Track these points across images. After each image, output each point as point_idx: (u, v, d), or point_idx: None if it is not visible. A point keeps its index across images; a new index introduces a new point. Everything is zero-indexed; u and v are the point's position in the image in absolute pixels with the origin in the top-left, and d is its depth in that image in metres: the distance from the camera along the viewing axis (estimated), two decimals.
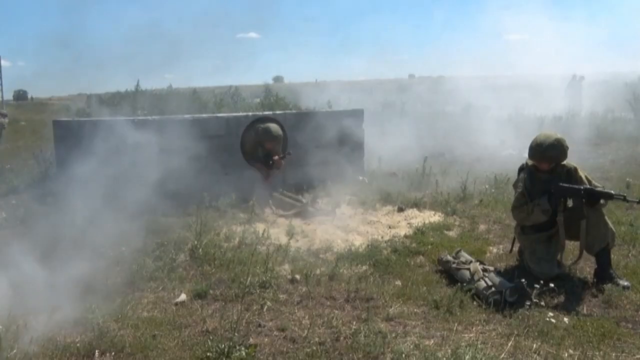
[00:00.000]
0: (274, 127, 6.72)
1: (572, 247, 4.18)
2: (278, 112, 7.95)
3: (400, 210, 6.00)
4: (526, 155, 4.08)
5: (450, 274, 3.98)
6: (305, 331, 3.09)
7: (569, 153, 3.99)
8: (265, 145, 6.70)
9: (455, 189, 6.79)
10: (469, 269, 3.80)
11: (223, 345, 2.79)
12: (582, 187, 3.78)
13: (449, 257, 4.10)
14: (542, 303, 3.38)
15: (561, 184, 3.84)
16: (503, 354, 2.85)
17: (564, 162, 3.98)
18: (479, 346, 2.86)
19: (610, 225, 3.90)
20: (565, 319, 3.23)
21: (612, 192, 3.78)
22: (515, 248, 4.34)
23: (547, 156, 3.88)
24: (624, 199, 3.74)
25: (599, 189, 3.84)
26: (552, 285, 3.51)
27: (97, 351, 2.89)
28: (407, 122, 15.00)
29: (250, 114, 7.31)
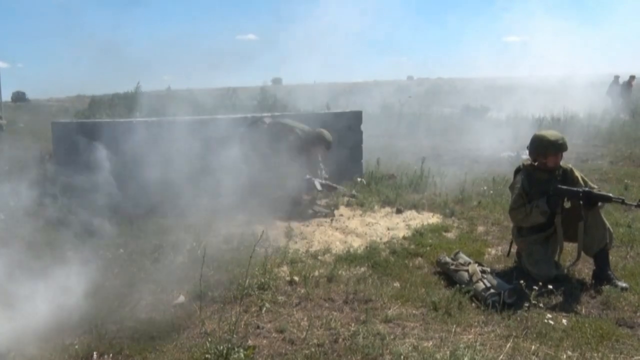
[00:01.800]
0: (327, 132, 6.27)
1: (570, 248, 4.19)
2: (276, 113, 7.95)
3: (399, 211, 6.00)
4: (524, 156, 4.10)
5: (448, 276, 3.98)
6: (304, 333, 3.09)
7: (568, 154, 4.03)
8: (313, 152, 6.26)
9: (453, 190, 6.79)
10: (467, 271, 3.81)
11: (222, 347, 2.79)
12: (581, 190, 3.79)
13: (448, 259, 4.10)
14: (541, 304, 3.38)
15: (560, 186, 3.85)
16: (501, 356, 2.85)
17: (561, 163, 4.01)
18: (478, 347, 2.87)
19: (608, 226, 3.91)
20: (564, 321, 3.24)
21: (611, 194, 3.79)
22: (513, 250, 4.35)
23: (564, 149, 3.93)
24: (622, 202, 3.75)
25: (596, 191, 3.86)
26: (550, 286, 3.51)
27: (95, 353, 2.89)
28: (406, 123, 15.06)
29: (249, 115, 7.31)
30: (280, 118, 6.53)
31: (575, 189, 3.83)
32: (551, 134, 3.98)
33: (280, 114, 7.91)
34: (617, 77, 19.54)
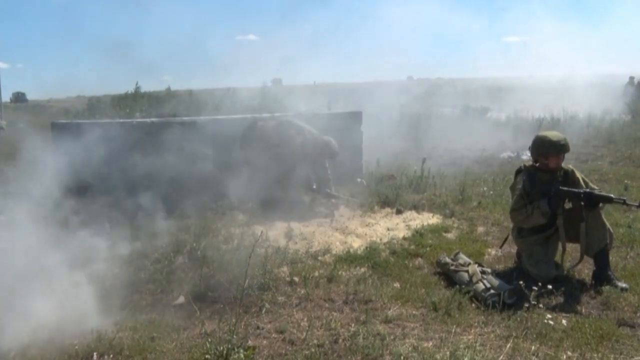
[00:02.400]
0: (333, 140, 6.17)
1: (570, 249, 4.19)
2: (277, 114, 7.95)
3: (399, 212, 6.00)
4: (524, 157, 4.11)
5: (448, 276, 3.98)
6: (304, 333, 3.09)
7: (568, 154, 4.05)
8: (318, 159, 6.18)
9: (453, 191, 6.80)
10: (467, 271, 3.81)
11: (221, 348, 2.79)
12: (582, 191, 3.80)
13: (448, 259, 4.10)
14: (541, 305, 3.39)
15: (561, 187, 3.86)
16: (501, 356, 2.85)
17: (562, 164, 4.02)
18: (478, 348, 2.87)
19: (609, 226, 3.91)
20: (564, 321, 3.24)
21: (612, 195, 3.79)
22: (512, 250, 4.35)
23: (566, 150, 3.94)
24: (624, 203, 3.74)
25: (597, 192, 3.86)
26: (550, 287, 3.51)
27: (95, 354, 2.89)
28: (406, 124, 15.03)
29: (249, 115, 7.31)
30: (290, 117, 6.50)
31: (576, 190, 3.83)
32: (553, 134, 3.99)
33: (281, 114, 7.90)
34: (632, 78, 19.37)
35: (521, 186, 3.98)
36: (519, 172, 4.15)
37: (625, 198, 3.81)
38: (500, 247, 4.47)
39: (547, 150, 3.94)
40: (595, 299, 3.61)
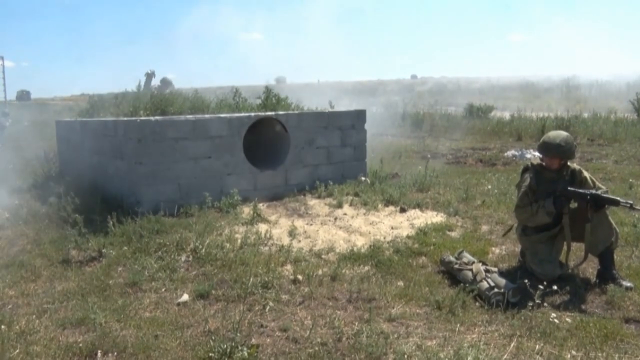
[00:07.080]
0: None
1: (574, 247, 4.17)
2: (280, 112, 7.95)
3: (403, 210, 5.99)
4: (529, 155, 4.09)
5: (452, 275, 3.97)
6: (308, 332, 3.09)
7: None
8: None
9: (457, 189, 6.78)
10: (471, 270, 3.80)
11: (225, 346, 2.79)
12: (588, 192, 3.76)
13: (452, 258, 4.09)
14: (545, 304, 3.38)
15: (569, 187, 3.83)
16: (505, 355, 2.85)
17: (569, 163, 3.99)
18: (482, 347, 2.86)
19: (614, 225, 3.89)
20: (568, 320, 3.23)
21: (619, 199, 3.74)
22: (516, 249, 4.34)
23: (559, 151, 3.87)
24: (631, 207, 3.68)
25: (603, 193, 3.82)
26: (554, 286, 3.50)
27: (99, 351, 2.89)
28: (409, 122, 15.04)
29: (252, 114, 7.31)
30: None
31: (583, 191, 3.80)
32: (554, 135, 3.95)
33: (284, 112, 7.90)
34: None
35: (527, 183, 3.97)
36: (525, 169, 4.13)
37: (632, 202, 3.73)
38: (503, 236, 4.46)
39: (540, 149, 3.97)
40: (599, 298, 3.60)
